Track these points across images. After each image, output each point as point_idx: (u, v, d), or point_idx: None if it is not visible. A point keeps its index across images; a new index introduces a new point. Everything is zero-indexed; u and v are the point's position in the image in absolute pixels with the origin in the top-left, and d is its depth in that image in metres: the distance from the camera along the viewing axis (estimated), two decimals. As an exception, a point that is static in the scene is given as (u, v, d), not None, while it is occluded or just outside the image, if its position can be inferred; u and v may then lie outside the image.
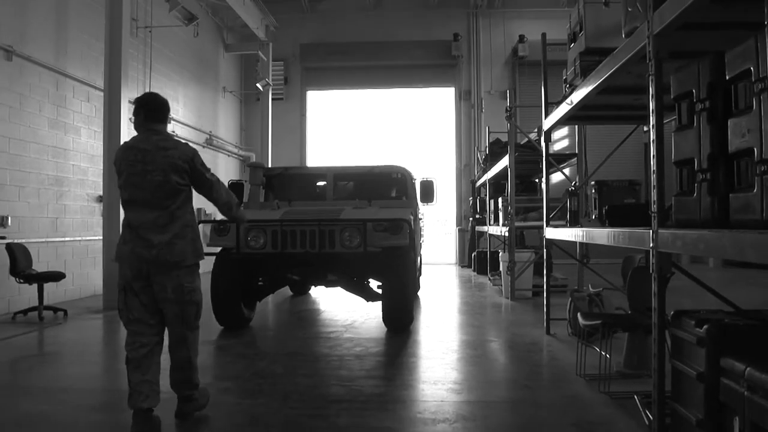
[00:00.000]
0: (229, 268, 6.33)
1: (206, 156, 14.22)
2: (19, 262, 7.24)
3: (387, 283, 6.26)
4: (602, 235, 4.00)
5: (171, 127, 12.71)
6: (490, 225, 12.14)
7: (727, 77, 2.54)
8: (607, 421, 3.51)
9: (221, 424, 3.54)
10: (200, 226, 6.36)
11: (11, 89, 7.98)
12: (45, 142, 8.62)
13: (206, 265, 5.57)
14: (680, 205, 2.94)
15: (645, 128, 4.98)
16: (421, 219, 9.35)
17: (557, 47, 6.82)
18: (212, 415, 3.66)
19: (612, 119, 6.26)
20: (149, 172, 3.34)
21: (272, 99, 16.55)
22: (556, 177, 10.41)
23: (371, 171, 8.05)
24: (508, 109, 9.72)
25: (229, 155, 16.20)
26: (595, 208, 5.03)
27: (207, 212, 12.70)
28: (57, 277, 7.49)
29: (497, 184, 12.59)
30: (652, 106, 3.12)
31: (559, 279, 9.12)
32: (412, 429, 3.47)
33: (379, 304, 6.59)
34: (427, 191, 8.40)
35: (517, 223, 9.34)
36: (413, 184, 8.22)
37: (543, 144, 6.38)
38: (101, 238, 8.52)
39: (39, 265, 7.84)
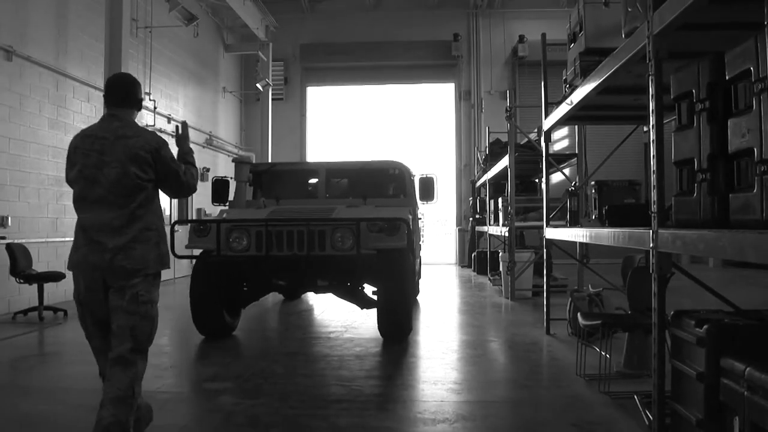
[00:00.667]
0: (210, 272, 5.87)
1: (206, 156, 14.26)
2: (19, 262, 7.24)
3: (383, 289, 5.76)
4: (602, 235, 4.00)
5: (171, 127, 12.73)
6: (490, 225, 12.14)
7: (727, 77, 2.54)
8: (607, 421, 3.51)
9: (221, 424, 3.54)
10: (177, 227, 6.03)
11: (11, 89, 7.98)
12: (45, 142, 8.62)
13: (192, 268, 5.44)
14: (680, 205, 2.94)
15: (645, 128, 4.97)
16: (420, 219, 8.80)
17: (557, 47, 6.82)
18: (212, 416, 3.66)
19: (612, 119, 6.26)
20: (106, 164, 2.84)
21: (272, 99, 16.55)
22: (556, 177, 10.41)
23: (366, 167, 7.55)
24: (508, 109, 9.72)
25: (229, 155, 16.19)
26: (595, 208, 5.02)
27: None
28: (57, 277, 7.49)
29: (497, 184, 12.59)
30: (652, 106, 3.13)
31: (559, 279, 9.12)
32: (412, 429, 3.47)
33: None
34: (427, 188, 7.84)
35: (517, 223, 9.34)
36: (412, 181, 7.74)
37: (543, 144, 6.38)
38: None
39: (39, 265, 7.84)
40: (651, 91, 3.12)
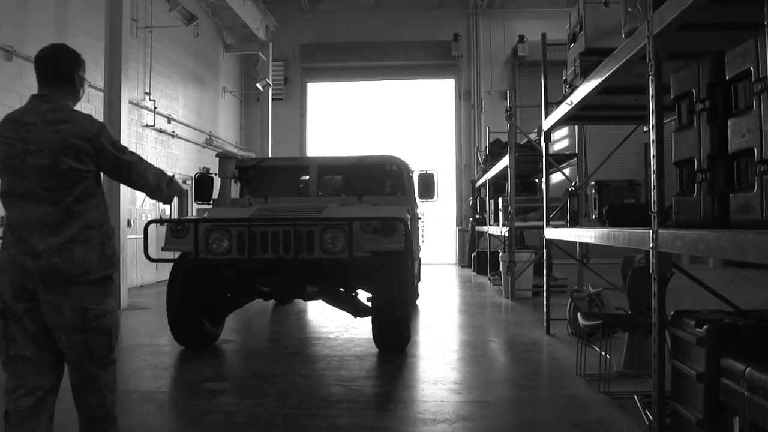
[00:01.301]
0: (188, 277, 5.42)
1: (206, 156, 14.24)
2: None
3: (378, 296, 5.24)
4: (602, 235, 4.00)
5: (171, 127, 12.73)
6: (490, 225, 12.15)
7: (727, 77, 2.54)
8: (607, 421, 3.51)
9: (221, 424, 3.54)
10: (154, 225, 5.51)
11: (11, 89, 7.97)
12: (45, 142, 8.61)
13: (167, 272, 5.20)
14: (680, 205, 2.94)
15: (645, 128, 4.98)
16: (420, 218, 8.20)
17: (557, 47, 6.82)
18: (212, 416, 3.66)
19: (612, 119, 6.26)
20: (32, 154, 2.42)
21: (272, 99, 16.56)
22: (556, 177, 10.41)
23: (361, 162, 6.90)
24: (508, 109, 9.72)
25: (229, 155, 16.20)
26: (595, 208, 5.03)
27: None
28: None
29: (497, 184, 12.59)
30: (652, 106, 3.13)
31: (559, 279, 9.12)
32: (412, 429, 3.47)
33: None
34: (427, 186, 7.25)
35: (517, 223, 9.34)
36: (410, 178, 7.22)
37: (543, 144, 6.38)
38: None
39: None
40: (651, 91, 3.13)
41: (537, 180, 12.59)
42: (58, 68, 2.56)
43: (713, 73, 2.65)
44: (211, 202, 6.82)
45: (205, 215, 6.01)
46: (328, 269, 5.29)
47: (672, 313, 3.04)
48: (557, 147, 14.95)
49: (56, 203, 2.45)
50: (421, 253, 8.64)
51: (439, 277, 13.07)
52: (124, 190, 8.38)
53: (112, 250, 2.60)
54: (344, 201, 6.28)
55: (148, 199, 11.78)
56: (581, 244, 7.25)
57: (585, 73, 4.65)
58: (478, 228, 14.38)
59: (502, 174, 10.50)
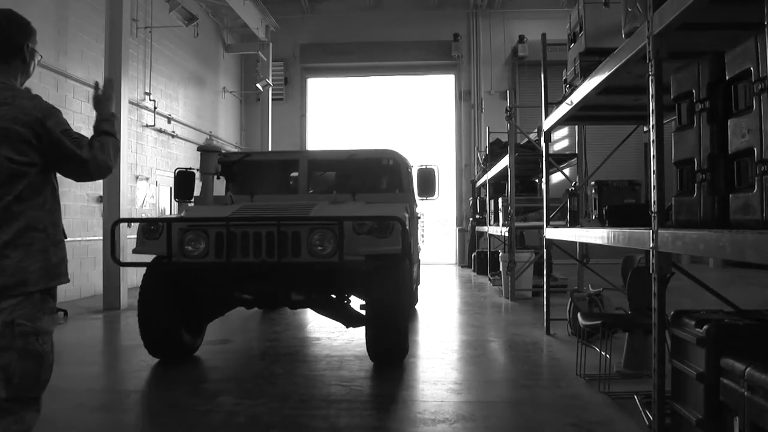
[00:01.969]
0: (161, 283, 4.92)
1: (206, 156, 14.21)
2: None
3: (372, 304, 4.72)
4: (602, 236, 4.01)
5: (171, 128, 12.73)
6: (490, 225, 12.15)
7: (727, 77, 2.54)
8: (607, 421, 3.51)
9: (221, 424, 3.54)
10: (123, 225, 5.50)
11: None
12: (45, 143, 8.60)
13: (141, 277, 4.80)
14: (680, 205, 2.94)
15: (645, 128, 4.98)
16: (419, 218, 7.57)
17: (557, 47, 6.83)
18: (212, 416, 3.66)
19: (612, 119, 6.26)
20: None
21: (272, 99, 16.57)
22: (556, 177, 10.42)
23: (355, 157, 6.33)
24: (508, 109, 9.72)
25: (229, 155, 16.21)
26: (595, 208, 5.03)
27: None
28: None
29: (497, 185, 12.60)
30: (652, 106, 3.13)
31: (559, 279, 9.12)
32: (412, 429, 3.47)
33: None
34: (427, 182, 6.66)
35: (517, 224, 9.34)
36: (409, 174, 6.66)
37: (543, 144, 6.38)
38: (101, 238, 8.52)
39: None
40: (651, 91, 3.13)
41: (537, 180, 12.60)
42: (4, 40, 2.17)
43: (713, 73, 2.65)
44: (193, 200, 6.38)
45: (182, 214, 5.63)
46: (316, 274, 4.80)
47: (672, 313, 3.04)
48: (557, 147, 14.97)
49: None
50: (420, 254, 8.20)
51: (439, 277, 13.08)
52: (124, 189, 8.38)
53: (59, 258, 2.24)
54: (336, 198, 5.73)
55: (148, 198, 11.84)
56: (581, 244, 7.26)
57: (585, 73, 4.66)
58: (478, 228, 14.39)
59: (502, 174, 10.51)
